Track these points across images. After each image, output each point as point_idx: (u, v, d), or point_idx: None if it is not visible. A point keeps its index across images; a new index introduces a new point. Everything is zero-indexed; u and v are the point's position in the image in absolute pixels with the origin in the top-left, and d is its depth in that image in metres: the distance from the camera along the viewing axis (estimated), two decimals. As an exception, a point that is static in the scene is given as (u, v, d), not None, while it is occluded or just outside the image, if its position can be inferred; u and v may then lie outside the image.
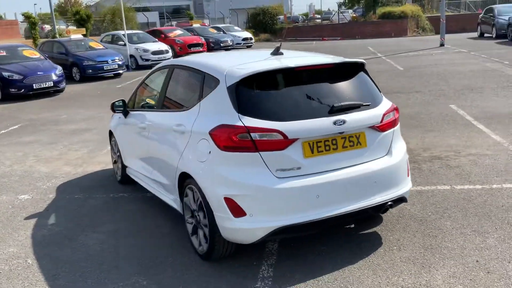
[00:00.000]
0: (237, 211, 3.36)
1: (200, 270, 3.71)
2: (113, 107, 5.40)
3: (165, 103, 4.59)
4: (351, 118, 3.52)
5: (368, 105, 3.67)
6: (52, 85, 14.17)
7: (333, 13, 46.89)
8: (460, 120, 8.08)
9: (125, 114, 5.37)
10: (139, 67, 20.36)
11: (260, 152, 3.34)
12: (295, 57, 4.08)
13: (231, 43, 27.69)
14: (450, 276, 3.40)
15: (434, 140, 6.99)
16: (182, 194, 4.06)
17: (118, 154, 5.84)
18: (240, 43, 29.25)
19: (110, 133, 6.13)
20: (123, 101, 5.41)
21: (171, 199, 4.35)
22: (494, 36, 22.29)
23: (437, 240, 3.93)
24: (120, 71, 18.05)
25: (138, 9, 37.59)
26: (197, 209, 3.78)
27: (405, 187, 3.81)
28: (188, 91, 4.30)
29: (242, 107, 3.44)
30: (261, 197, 3.33)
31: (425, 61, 16.60)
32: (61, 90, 14.86)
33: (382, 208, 3.68)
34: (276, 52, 4.03)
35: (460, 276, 3.38)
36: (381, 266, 3.60)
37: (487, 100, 9.41)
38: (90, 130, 9.35)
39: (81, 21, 29.44)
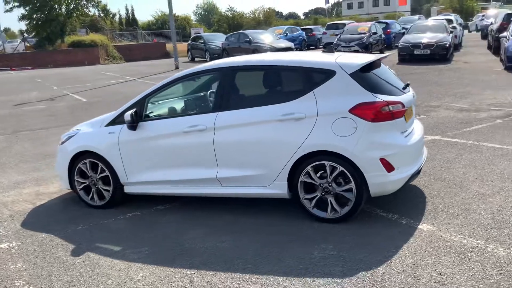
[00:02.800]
0: (389, 167, 4.32)
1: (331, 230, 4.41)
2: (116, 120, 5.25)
3: (240, 101, 4.87)
4: (412, 93, 4.98)
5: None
6: None
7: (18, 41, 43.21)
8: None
9: (134, 127, 5.08)
10: None
11: (395, 120, 4.41)
12: (354, 56, 5.13)
13: None
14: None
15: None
16: (291, 177, 4.55)
17: (101, 175, 5.39)
18: None
19: (75, 157, 5.45)
20: (136, 112, 5.08)
21: (264, 186, 4.68)
22: (208, 59, 26.20)
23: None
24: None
25: None
26: (331, 181, 4.43)
27: None
28: (285, 85, 4.83)
29: (370, 88, 4.41)
30: (402, 153, 4.41)
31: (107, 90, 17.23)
32: None
33: None
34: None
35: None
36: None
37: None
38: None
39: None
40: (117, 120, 5.35)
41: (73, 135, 5.63)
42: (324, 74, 4.52)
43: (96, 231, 4.88)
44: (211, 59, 25.64)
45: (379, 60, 4.83)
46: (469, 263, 3.59)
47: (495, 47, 19.90)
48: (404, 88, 4.86)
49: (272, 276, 3.64)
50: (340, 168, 4.37)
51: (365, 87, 4.41)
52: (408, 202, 4.89)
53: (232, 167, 4.81)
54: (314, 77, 4.56)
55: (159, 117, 5.24)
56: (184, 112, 5.31)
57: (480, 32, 30.90)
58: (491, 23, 23.90)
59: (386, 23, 27.43)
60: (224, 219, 4.87)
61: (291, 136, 4.51)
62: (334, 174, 4.43)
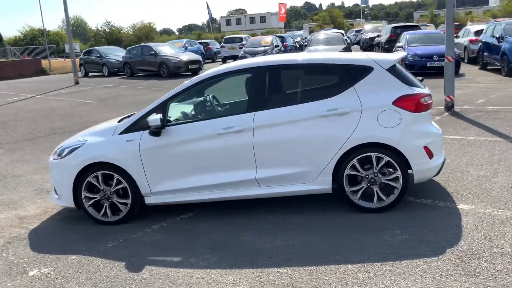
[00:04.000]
0: (430, 154, 4.67)
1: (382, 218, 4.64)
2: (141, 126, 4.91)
3: (277, 100, 4.86)
4: None
5: None
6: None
7: None
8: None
9: (158, 132, 4.82)
10: None
11: (428, 110, 4.78)
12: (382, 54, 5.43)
13: None
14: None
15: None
16: (335, 171, 4.69)
17: (116, 188, 5.00)
18: None
19: (83, 170, 5.01)
20: (164, 116, 4.81)
21: (306, 182, 4.73)
22: (107, 74, 24.97)
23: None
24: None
25: None
26: (377, 171, 4.64)
27: None
28: (323, 82, 4.93)
29: (405, 82, 4.74)
30: (437, 141, 4.79)
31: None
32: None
33: None
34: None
35: None
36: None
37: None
38: None
39: None
40: (133, 128, 5.00)
41: (78, 147, 5.11)
42: (362, 70, 4.74)
43: (134, 246, 4.50)
44: (110, 74, 24.71)
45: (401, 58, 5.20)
46: (527, 231, 4.04)
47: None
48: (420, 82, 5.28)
49: (368, 263, 3.72)
50: (387, 158, 4.60)
51: (402, 80, 4.72)
52: (430, 188, 5.27)
53: (272, 166, 4.78)
54: (352, 73, 4.76)
55: (187, 121, 5.01)
56: (214, 114, 5.14)
57: (360, 45, 33.91)
58: (378, 36, 26.43)
59: (282, 37, 28.76)
60: (269, 220, 4.81)
61: (337, 130, 4.64)
62: (380, 165, 4.64)
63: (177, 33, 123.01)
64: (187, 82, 5.07)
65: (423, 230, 4.24)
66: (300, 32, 40.34)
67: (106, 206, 5.07)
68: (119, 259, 4.21)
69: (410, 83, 4.76)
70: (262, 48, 22.99)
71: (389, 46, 21.88)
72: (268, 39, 24.55)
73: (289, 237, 4.37)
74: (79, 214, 5.25)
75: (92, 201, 5.08)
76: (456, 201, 4.86)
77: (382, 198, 4.70)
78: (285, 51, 26.85)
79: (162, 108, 4.97)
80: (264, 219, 4.84)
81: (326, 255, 3.92)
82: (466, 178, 5.55)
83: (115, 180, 5.00)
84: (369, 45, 30.25)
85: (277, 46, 24.24)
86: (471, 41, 19.52)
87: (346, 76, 4.78)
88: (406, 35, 18.63)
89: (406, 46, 17.32)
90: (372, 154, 4.63)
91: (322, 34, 24.29)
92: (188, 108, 5.24)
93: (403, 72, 4.90)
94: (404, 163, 4.61)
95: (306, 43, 23.99)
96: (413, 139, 4.63)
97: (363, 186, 4.71)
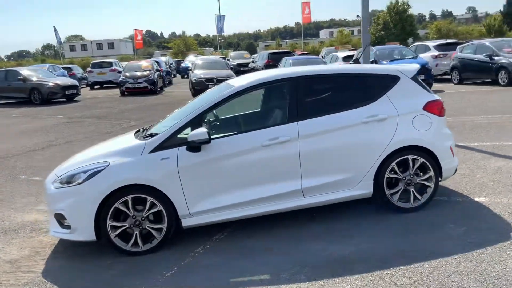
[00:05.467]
0: (453, 153, 5.15)
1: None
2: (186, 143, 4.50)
3: (317, 109, 4.89)
4: None
5: None
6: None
7: None
8: None
9: (198, 148, 4.51)
10: None
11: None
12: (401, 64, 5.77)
13: None
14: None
15: None
16: (377, 176, 4.89)
17: (149, 212, 4.50)
18: None
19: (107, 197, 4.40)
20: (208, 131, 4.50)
21: (349, 189, 4.84)
22: None
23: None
24: None
25: None
26: (414, 173, 4.95)
27: None
28: (358, 91, 5.07)
29: (426, 89, 5.18)
30: (453, 142, 5.28)
31: None
32: None
33: None
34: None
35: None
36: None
37: None
38: None
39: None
40: (165, 145, 4.57)
41: (100, 170, 4.46)
42: (391, 79, 5.05)
43: (199, 270, 4.09)
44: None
45: None
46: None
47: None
48: None
49: (460, 254, 3.94)
50: (421, 159, 4.95)
51: (423, 88, 5.15)
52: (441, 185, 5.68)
53: (317, 175, 4.78)
54: (383, 82, 5.03)
55: (228, 134, 4.73)
56: (255, 126, 4.91)
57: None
58: (252, 61, 27.57)
59: (158, 62, 28.27)
60: (313, 228, 4.78)
61: (378, 136, 4.85)
62: (415, 166, 4.96)
63: (5, 59, 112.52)
64: (222, 94, 4.80)
65: (470, 221, 4.63)
66: (164, 58, 40.06)
67: (136, 234, 4.49)
68: (203, 285, 3.78)
69: (429, 91, 5.21)
70: (145, 73, 22.29)
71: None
72: (148, 63, 23.91)
73: (360, 241, 4.39)
74: (89, 247, 4.62)
75: (119, 230, 4.46)
76: (472, 195, 5.38)
77: (417, 198, 5.00)
78: (162, 76, 26.47)
79: (198, 121, 4.63)
80: (308, 228, 4.81)
81: (415, 253, 4.04)
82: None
83: (148, 204, 4.47)
84: (236, 71, 31.36)
85: (158, 70, 23.74)
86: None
87: (378, 85, 5.04)
88: (289, 60, 19.83)
89: (293, 70, 18.43)
90: (409, 156, 4.92)
91: (205, 59, 24.59)
92: (226, 120, 4.97)
93: (420, 81, 5.33)
94: (435, 163, 4.99)
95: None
96: (442, 141, 5.06)
97: (401, 188, 4.97)
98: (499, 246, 4.03)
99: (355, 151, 4.82)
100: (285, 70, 5.49)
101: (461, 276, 3.60)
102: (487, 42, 17.68)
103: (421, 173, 5.00)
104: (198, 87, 20.00)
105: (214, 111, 5.00)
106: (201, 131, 4.43)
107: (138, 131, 5.42)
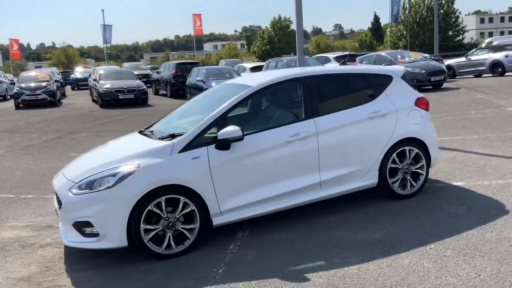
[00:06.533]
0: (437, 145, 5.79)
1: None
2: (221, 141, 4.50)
3: (328, 106, 5.18)
4: None
5: None
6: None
7: None
8: None
9: (228, 146, 4.56)
10: None
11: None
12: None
13: None
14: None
15: None
16: (381, 166, 5.33)
17: (182, 213, 4.40)
18: None
19: (143, 198, 4.23)
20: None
21: (358, 179, 5.21)
22: None
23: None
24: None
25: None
26: (410, 162, 5.46)
27: None
28: (361, 88, 5.48)
29: (413, 87, 5.77)
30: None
31: None
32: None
33: None
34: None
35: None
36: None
37: None
38: None
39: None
40: (193, 144, 4.52)
41: (131, 172, 4.26)
42: (386, 78, 5.55)
43: (249, 264, 4.12)
44: None
45: None
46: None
47: (172, 92, 22.71)
48: None
49: (476, 229, 4.47)
50: (416, 150, 5.48)
51: (412, 86, 5.73)
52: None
53: (333, 168, 5.06)
54: (381, 81, 5.51)
55: (255, 130, 4.80)
56: (275, 123, 5.00)
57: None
58: (157, 72, 26.95)
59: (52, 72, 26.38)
60: (331, 219, 5.03)
61: (382, 129, 5.29)
62: (411, 156, 5.48)
63: None
64: (241, 93, 4.86)
65: (467, 201, 5.24)
66: (51, 69, 37.48)
67: (169, 236, 4.36)
68: (264, 277, 3.81)
69: (415, 89, 5.80)
70: (43, 83, 20.71)
71: (175, 81, 22.70)
72: (45, 73, 22.27)
73: (384, 226, 4.73)
74: (109, 256, 4.44)
75: (153, 233, 4.29)
76: (452, 180, 6.06)
77: (413, 185, 5.53)
78: (59, 87, 24.85)
79: (224, 120, 4.65)
80: (325, 219, 5.07)
81: (439, 230, 4.49)
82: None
83: (181, 204, 4.37)
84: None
85: (57, 80, 22.22)
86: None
87: (377, 83, 5.49)
88: (202, 70, 19.87)
89: (207, 80, 18.57)
90: (406, 147, 5.43)
91: (109, 69, 23.62)
92: (245, 118, 5.02)
93: (408, 80, 5.91)
94: (426, 153, 5.56)
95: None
96: (431, 133, 5.67)
97: (400, 177, 5.45)
98: (506, 218, 4.65)
99: (364, 144, 5.20)
100: (297, 70, 5.76)
101: (493, 244, 4.11)
102: (383, 53, 19.59)
103: (414, 162, 5.53)
104: (107, 98, 19.23)
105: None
106: (234, 129, 4.46)
107: (141, 131, 5.33)
